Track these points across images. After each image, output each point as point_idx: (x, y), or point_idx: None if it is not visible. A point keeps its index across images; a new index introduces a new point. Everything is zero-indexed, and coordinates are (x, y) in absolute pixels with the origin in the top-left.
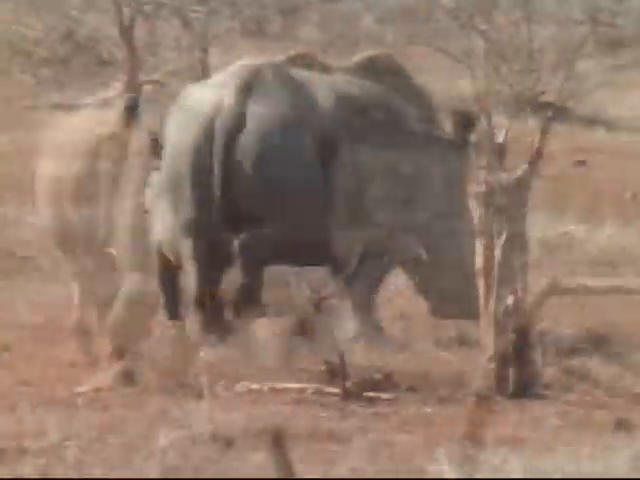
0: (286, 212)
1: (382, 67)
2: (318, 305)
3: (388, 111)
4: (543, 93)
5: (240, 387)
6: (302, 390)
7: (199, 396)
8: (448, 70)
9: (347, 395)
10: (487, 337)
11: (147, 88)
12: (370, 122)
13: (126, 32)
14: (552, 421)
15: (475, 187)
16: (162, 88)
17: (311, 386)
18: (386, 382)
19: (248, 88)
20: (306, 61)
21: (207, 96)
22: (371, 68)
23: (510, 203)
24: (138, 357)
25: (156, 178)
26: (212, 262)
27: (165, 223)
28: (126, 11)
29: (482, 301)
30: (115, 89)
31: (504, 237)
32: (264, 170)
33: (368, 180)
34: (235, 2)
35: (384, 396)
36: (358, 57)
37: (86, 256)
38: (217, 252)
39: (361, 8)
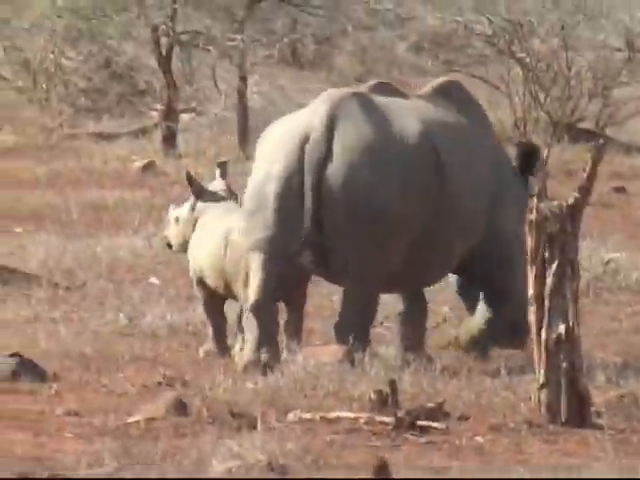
0: (370, 241)
1: (452, 94)
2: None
3: (467, 139)
4: (581, 120)
5: (292, 416)
6: (354, 419)
7: (251, 426)
8: (486, 97)
9: (400, 424)
10: (538, 365)
11: (184, 117)
12: (452, 149)
13: (164, 61)
14: (606, 449)
15: (528, 215)
16: (199, 117)
17: (363, 415)
18: (438, 411)
19: (335, 117)
20: (386, 89)
21: (296, 126)
22: (443, 95)
23: (562, 231)
24: (189, 387)
25: (186, 211)
26: (279, 282)
27: (213, 250)
28: (164, 40)
29: (534, 329)
30: (152, 118)
31: (555, 265)
32: (351, 199)
33: (452, 208)
34: (272, 31)
35: (436, 425)
36: (430, 84)
37: None
38: (286, 273)
39: (394, 36)
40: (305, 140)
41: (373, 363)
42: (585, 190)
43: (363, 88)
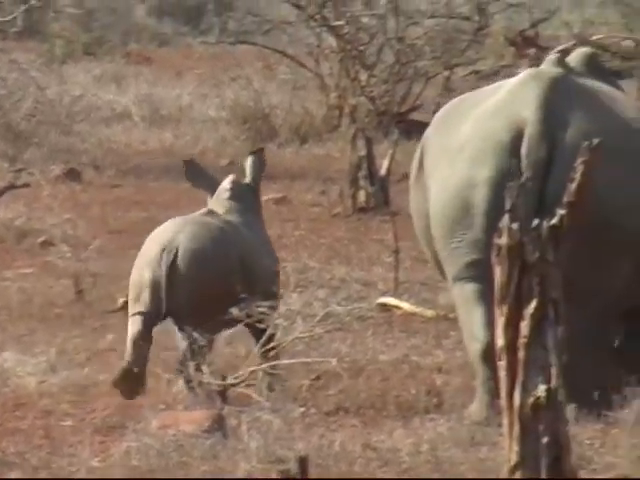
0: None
1: (595, 67)
2: None
3: None
4: (415, 109)
5: None
6: None
7: None
8: (289, 78)
9: None
10: (510, 439)
11: None
12: None
13: None
14: None
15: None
16: None
17: None
18: None
19: (552, 107)
20: (589, 62)
21: (498, 117)
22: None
23: (541, 260)
24: None
25: None
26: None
27: None
28: None
29: (504, 391)
30: None
31: (533, 305)
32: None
33: None
34: None
35: None
36: (574, 55)
37: None
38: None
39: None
40: (517, 137)
41: (251, 433)
42: (573, 205)
43: (570, 60)
